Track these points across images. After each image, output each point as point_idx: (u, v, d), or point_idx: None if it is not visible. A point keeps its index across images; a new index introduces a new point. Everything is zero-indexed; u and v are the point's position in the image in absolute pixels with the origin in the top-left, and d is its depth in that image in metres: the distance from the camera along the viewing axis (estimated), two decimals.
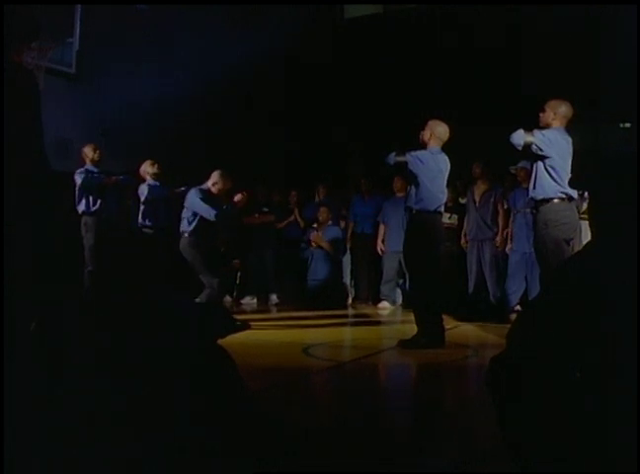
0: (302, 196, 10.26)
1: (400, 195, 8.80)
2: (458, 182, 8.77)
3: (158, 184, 7.80)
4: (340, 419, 3.63)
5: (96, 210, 7.47)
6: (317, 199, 10.11)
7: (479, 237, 8.14)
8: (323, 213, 9.53)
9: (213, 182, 6.78)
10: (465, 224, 8.41)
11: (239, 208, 7.46)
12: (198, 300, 6.42)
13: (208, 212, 6.57)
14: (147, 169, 7.80)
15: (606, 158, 1.86)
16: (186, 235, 6.65)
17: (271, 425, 1.80)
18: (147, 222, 7.74)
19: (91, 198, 7.47)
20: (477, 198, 8.20)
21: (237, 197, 6.97)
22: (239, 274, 9.91)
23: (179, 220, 7.01)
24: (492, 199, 8.13)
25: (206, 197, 6.67)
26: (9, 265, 2.49)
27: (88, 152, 7.59)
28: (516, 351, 1.69)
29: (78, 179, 7.42)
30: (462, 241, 8.42)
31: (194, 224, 6.64)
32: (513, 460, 1.68)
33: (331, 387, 4.63)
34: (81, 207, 7.45)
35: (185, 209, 6.78)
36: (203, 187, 6.78)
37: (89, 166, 7.57)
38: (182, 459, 1.57)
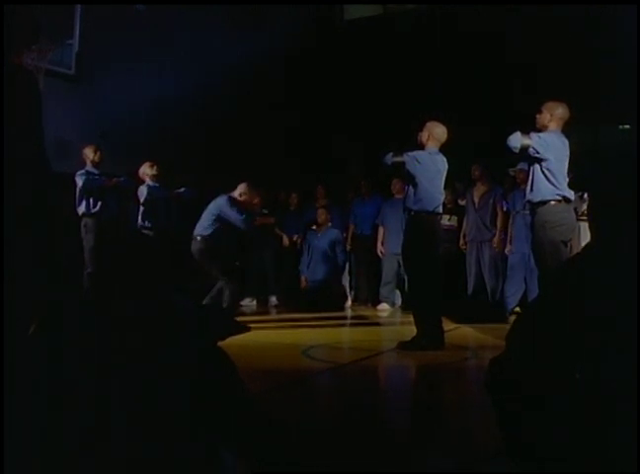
0: (302, 197, 10.26)
1: (399, 196, 8.80)
2: (458, 183, 8.78)
3: (157, 185, 7.80)
4: (340, 420, 3.63)
5: (96, 212, 7.48)
6: (316, 201, 10.11)
7: (478, 238, 8.13)
8: (322, 215, 9.52)
9: (240, 192, 6.87)
10: (464, 225, 8.41)
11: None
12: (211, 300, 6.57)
13: (238, 219, 6.71)
14: (146, 170, 7.80)
15: (606, 159, 1.86)
16: (198, 239, 6.69)
17: (271, 426, 1.80)
18: (147, 224, 7.73)
19: (91, 200, 7.48)
20: (476, 200, 8.20)
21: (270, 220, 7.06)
22: None
23: (178, 221, 7.02)
24: (491, 201, 8.12)
25: (236, 204, 6.77)
26: (9, 266, 2.49)
27: (88, 153, 7.59)
28: (515, 352, 1.69)
29: (79, 180, 7.43)
30: (461, 242, 8.42)
31: (212, 228, 6.69)
32: (513, 461, 1.68)
33: (331, 389, 4.63)
34: (81, 209, 7.46)
35: (206, 213, 6.83)
36: (232, 195, 6.88)
37: (89, 167, 7.58)
38: (182, 460, 1.57)
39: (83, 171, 7.51)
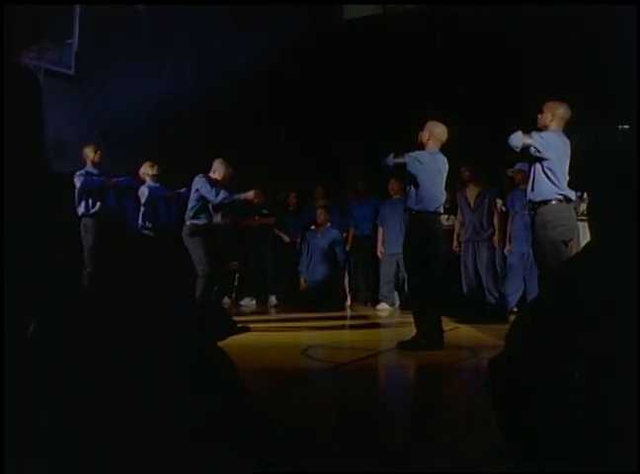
0: (301, 197, 10.26)
1: (396, 197, 8.83)
2: (458, 183, 8.78)
3: (158, 185, 7.79)
4: (339, 420, 3.63)
5: (95, 212, 7.46)
6: (315, 201, 10.11)
7: (474, 239, 8.12)
8: (321, 215, 9.51)
9: (214, 169, 6.85)
10: (458, 226, 8.38)
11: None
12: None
13: (211, 195, 6.64)
14: (147, 170, 7.79)
15: (606, 159, 1.86)
16: (188, 223, 6.69)
17: (270, 426, 1.80)
18: (147, 224, 7.73)
19: (90, 201, 7.46)
20: (471, 201, 8.19)
21: (251, 194, 6.86)
22: (237, 275, 9.92)
23: (179, 221, 7.02)
24: (486, 200, 8.12)
25: (211, 183, 6.74)
26: (8, 266, 2.49)
27: (89, 153, 7.57)
28: (514, 352, 1.69)
29: (78, 181, 7.40)
30: (454, 244, 8.36)
31: (194, 210, 6.69)
32: (512, 461, 1.68)
33: (330, 389, 4.63)
34: (81, 209, 7.44)
35: (190, 196, 6.83)
36: (207, 174, 6.86)
37: (89, 167, 7.55)
38: (182, 460, 1.57)
39: (83, 171, 7.49)
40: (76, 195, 7.42)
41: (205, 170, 6.94)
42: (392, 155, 5.67)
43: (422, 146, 5.71)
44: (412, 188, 5.65)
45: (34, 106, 2.79)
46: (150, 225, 7.70)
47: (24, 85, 2.78)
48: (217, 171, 6.87)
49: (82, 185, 7.38)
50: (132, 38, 8.74)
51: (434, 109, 6.68)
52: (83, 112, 8.41)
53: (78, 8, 8.56)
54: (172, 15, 9.19)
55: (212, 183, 6.72)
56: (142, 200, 7.72)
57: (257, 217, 9.72)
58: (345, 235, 9.74)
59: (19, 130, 2.63)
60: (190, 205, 6.72)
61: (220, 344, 1.75)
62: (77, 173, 7.46)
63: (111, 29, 8.45)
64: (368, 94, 10.84)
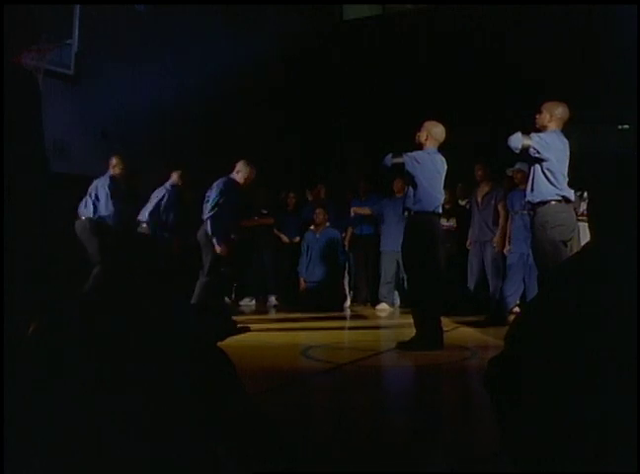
0: (301, 197, 10.25)
1: (400, 195, 8.80)
2: (460, 184, 8.79)
3: (174, 192, 7.86)
4: (339, 420, 3.63)
5: (103, 215, 7.45)
6: (314, 201, 10.10)
7: (481, 239, 8.13)
8: (320, 215, 9.50)
9: (237, 170, 6.85)
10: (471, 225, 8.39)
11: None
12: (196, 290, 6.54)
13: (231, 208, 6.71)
14: (177, 180, 7.91)
15: (606, 158, 1.86)
16: (208, 222, 6.72)
17: (270, 426, 1.80)
18: (148, 220, 7.73)
19: (98, 204, 7.44)
20: (479, 200, 8.20)
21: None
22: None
23: (182, 223, 7.05)
24: (493, 201, 8.12)
25: (231, 187, 6.73)
26: (8, 266, 2.49)
27: (116, 163, 7.61)
28: (514, 352, 1.68)
29: (103, 189, 7.42)
30: (468, 243, 8.37)
31: (213, 212, 6.68)
32: (512, 461, 1.68)
33: (330, 389, 4.63)
34: (89, 212, 7.42)
35: (211, 197, 6.81)
36: (231, 176, 6.85)
37: (111, 174, 7.59)
38: (180, 461, 1.57)
39: (108, 180, 7.50)
40: (85, 198, 7.43)
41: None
42: (390, 155, 5.67)
43: (420, 146, 5.70)
44: (410, 188, 5.65)
45: (33, 106, 2.79)
46: (158, 228, 7.71)
47: (23, 85, 2.78)
48: (241, 172, 6.87)
49: (109, 194, 7.42)
50: (132, 38, 8.74)
51: (432, 108, 6.68)
52: (83, 112, 8.41)
53: (78, 8, 8.56)
54: (172, 15, 9.19)
55: (232, 187, 6.73)
56: (153, 204, 7.76)
57: (256, 217, 9.71)
58: (344, 235, 9.72)
59: (18, 131, 2.63)
60: (209, 207, 6.70)
61: (220, 344, 1.74)
62: (101, 182, 7.47)
63: (111, 29, 8.44)
64: (369, 94, 10.85)
